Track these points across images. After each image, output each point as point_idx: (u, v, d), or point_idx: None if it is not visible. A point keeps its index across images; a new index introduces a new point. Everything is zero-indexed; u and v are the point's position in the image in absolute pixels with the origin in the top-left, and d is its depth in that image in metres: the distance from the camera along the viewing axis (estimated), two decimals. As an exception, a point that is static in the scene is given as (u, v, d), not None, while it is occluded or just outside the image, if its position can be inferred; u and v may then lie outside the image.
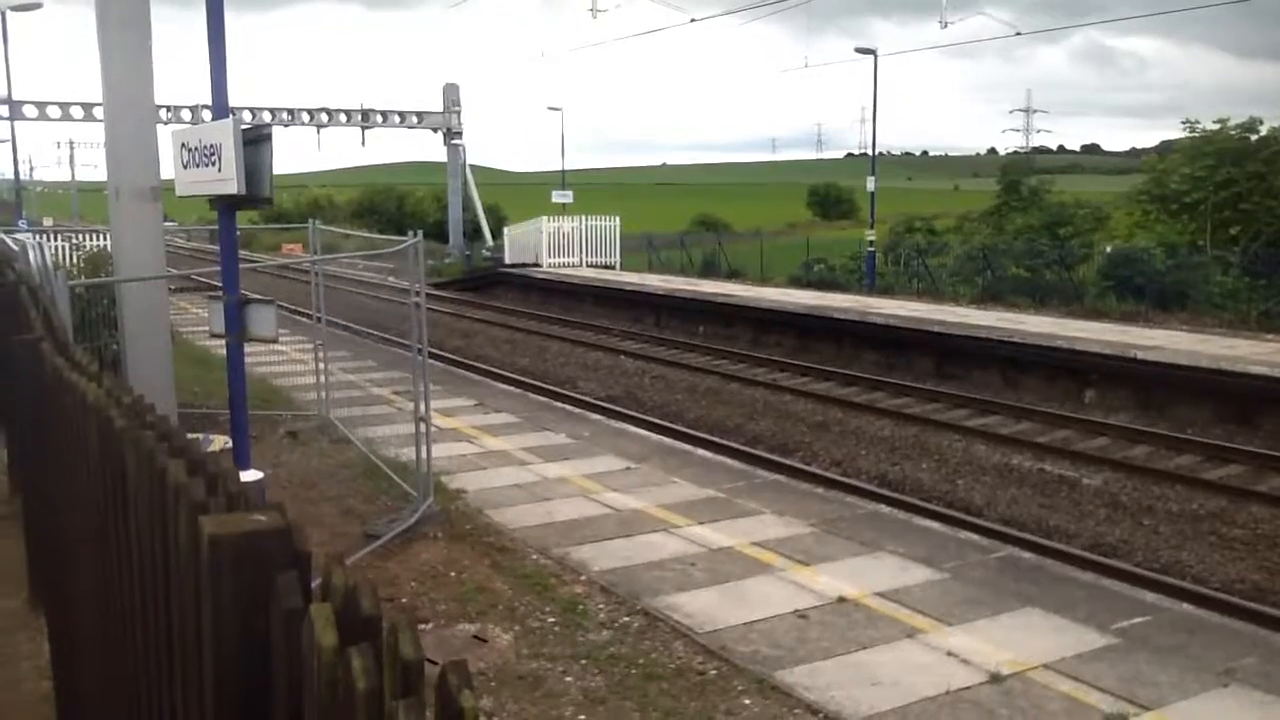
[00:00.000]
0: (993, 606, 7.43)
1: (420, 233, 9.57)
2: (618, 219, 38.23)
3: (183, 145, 7.09)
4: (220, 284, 7.51)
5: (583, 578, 7.91)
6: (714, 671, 6.40)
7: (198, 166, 6.84)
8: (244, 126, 6.50)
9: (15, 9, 32.78)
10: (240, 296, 6.92)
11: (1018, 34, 25.59)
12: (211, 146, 6.63)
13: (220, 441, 10.44)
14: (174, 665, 2.30)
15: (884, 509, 9.86)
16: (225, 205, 6.85)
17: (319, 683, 1.49)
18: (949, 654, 6.62)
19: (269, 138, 6.55)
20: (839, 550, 8.60)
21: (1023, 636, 6.91)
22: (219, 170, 6.53)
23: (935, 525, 9.32)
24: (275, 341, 7.33)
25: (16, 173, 40.83)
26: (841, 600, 7.49)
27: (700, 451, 12.04)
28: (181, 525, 2.09)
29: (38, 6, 33.39)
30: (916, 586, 7.80)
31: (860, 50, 38.09)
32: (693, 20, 23.16)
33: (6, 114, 35.76)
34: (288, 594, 1.63)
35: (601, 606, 7.38)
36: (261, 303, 6.93)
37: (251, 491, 2.14)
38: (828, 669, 6.42)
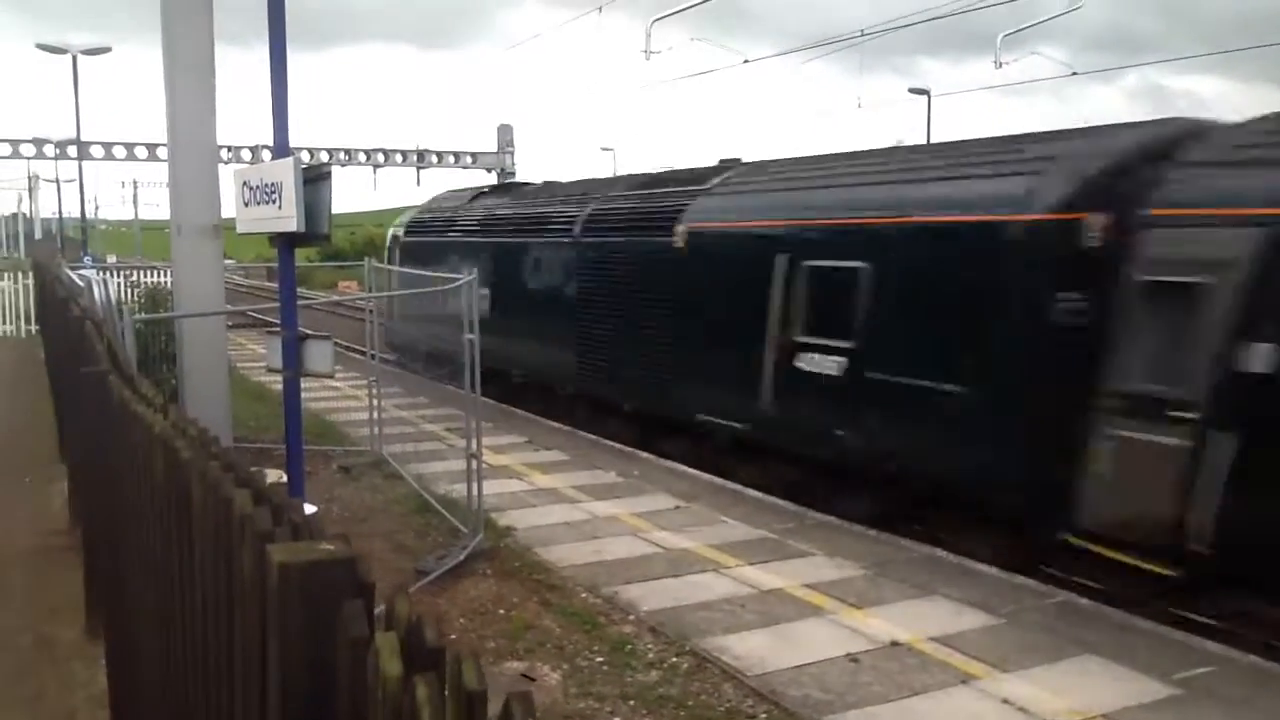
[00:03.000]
0: (1050, 653, 7.28)
1: (475, 271, 9.66)
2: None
3: (244, 183, 7.24)
4: (278, 320, 7.62)
5: (632, 617, 7.87)
6: (764, 715, 6.32)
7: (259, 204, 6.98)
8: (303, 165, 6.63)
9: (86, 53, 33.77)
10: (298, 332, 7.02)
11: (1074, 74, 25.47)
12: (272, 185, 6.76)
13: (274, 475, 10.57)
14: (235, 694, 2.33)
15: (939, 552, 9.72)
16: (285, 242, 6.97)
17: (384, 711, 1.50)
18: (1005, 701, 6.49)
19: (328, 176, 6.68)
20: (892, 593, 8.49)
21: (1081, 684, 6.76)
22: (279, 208, 6.65)
23: (991, 569, 9.15)
24: (331, 377, 7.42)
25: (83, 211, 41.93)
26: (894, 644, 7.38)
27: (751, 491, 11.95)
28: (246, 554, 2.12)
29: (107, 51, 34.38)
30: (972, 631, 7.67)
31: (914, 90, 38.13)
32: (745, 61, 23.30)
33: (75, 154, 36.75)
34: (354, 622, 1.64)
35: (650, 646, 7.33)
36: (319, 339, 7.03)
37: (316, 522, 2.17)
38: (880, 715, 6.31)
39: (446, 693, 1.47)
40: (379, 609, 1.80)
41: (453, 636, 7.51)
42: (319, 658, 1.71)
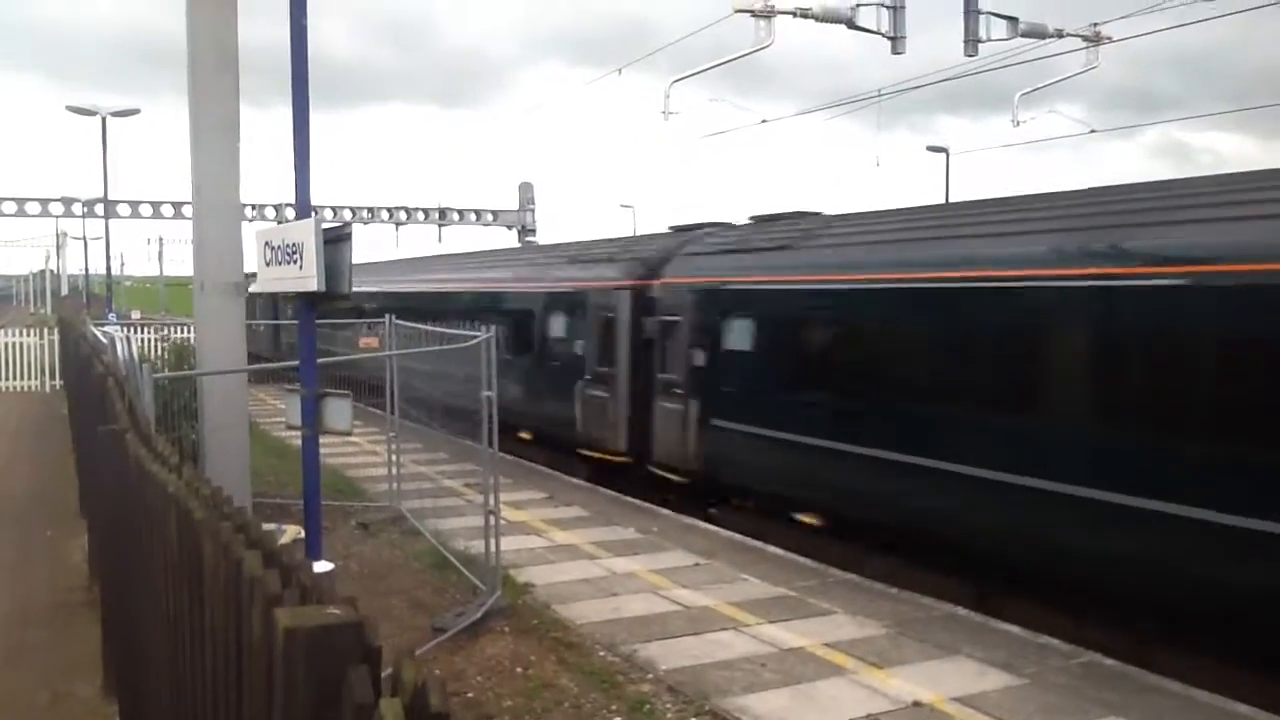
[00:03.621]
0: (1075, 715, 7.14)
1: (493, 329, 9.71)
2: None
3: (266, 244, 7.32)
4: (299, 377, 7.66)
5: (650, 676, 7.79)
6: (784, 777, 6.22)
7: (280, 264, 7.06)
8: (325, 226, 6.70)
9: (115, 114, 34.42)
10: (317, 390, 7.05)
11: (1092, 131, 25.50)
12: (294, 245, 6.84)
13: (293, 531, 10.57)
14: (243, 757, 2.31)
15: (960, 610, 9.59)
16: (306, 302, 7.03)
17: (387, 779, 1.49)
18: (1030, 764, 6.36)
19: (349, 237, 6.75)
20: (914, 653, 8.37)
21: (1108, 748, 6.62)
22: (300, 268, 6.72)
23: (1014, 628, 9.02)
24: (350, 435, 7.44)
25: (109, 268, 42.43)
26: (916, 705, 7.26)
27: (772, 548, 11.86)
28: (256, 616, 2.12)
29: (136, 113, 35.03)
30: (995, 692, 7.55)
31: (932, 149, 38.34)
32: (763, 121, 23.48)
33: (102, 213, 37.35)
34: (359, 688, 1.64)
35: (669, 706, 7.24)
36: (338, 396, 7.06)
37: (325, 584, 2.17)
38: (903, 777, 6.20)
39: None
40: (387, 671, 1.79)
41: (469, 695, 7.45)
42: (325, 722, 1.70)
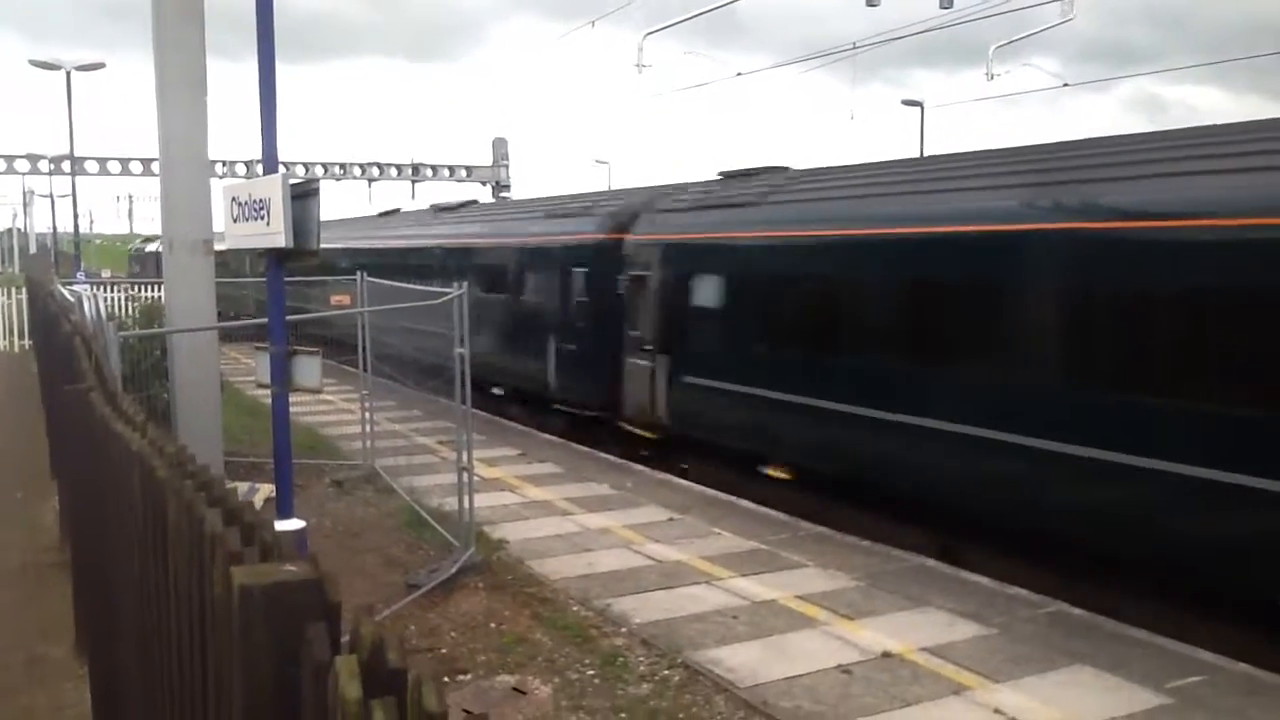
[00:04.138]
0: (1043, 663, 7.26)
1: (465, 284, 9.66)
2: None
3: (233, 199, 7.24)
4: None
5: (624, 630, 7.85)
6: (756, 727, 6.31)
7: (247, 220, 6.98)
8: (292, 181, 6.62)
9: (80, 69, 33.81)
10: (287, 347, 7.01)
11: (1065, 85, 25.49)
12: (260, 201, 6.76)
13: (266, 490, 10.56)
14: (208, 716, 2.32)
15: (930, 562, 9.70)
16: (274, 258, 6.97)
17: (344, 735, 1.49)
18: (996, 711, 6.47)
19: (316, 192, 6.67)
20: (884, 604, 8.47)
21: (1073, 695, 6.74)
22: (268, 224, 6.65)
23: (984, 580, 9.14)
24: (320, 392, 7.40)
25: (76, 227, 41.89)
26: (886, 655, 7.36)
27: (744, 502, 11.95)
28: (218, 575, 2.11)
29: (100, 67, 34.42)
30: (964, 642, 7.66)
31: (907, 102, 38.23)
32: (738, 74, 23.34)
33: (69, 170, 36.80)
34: (317, 645, 1.63)
35: (642, 659, 7.31)
36: (307, 354, 7.02)
37: (286, 541, 2.16)
38: (872, 726, 6.29)
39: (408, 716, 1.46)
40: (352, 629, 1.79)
41: (444, 650, 7.50)
42: (284, 680, 1.70)
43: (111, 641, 4.37)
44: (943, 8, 18.38)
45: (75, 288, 16.25)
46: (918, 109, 38.91)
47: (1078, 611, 8.39)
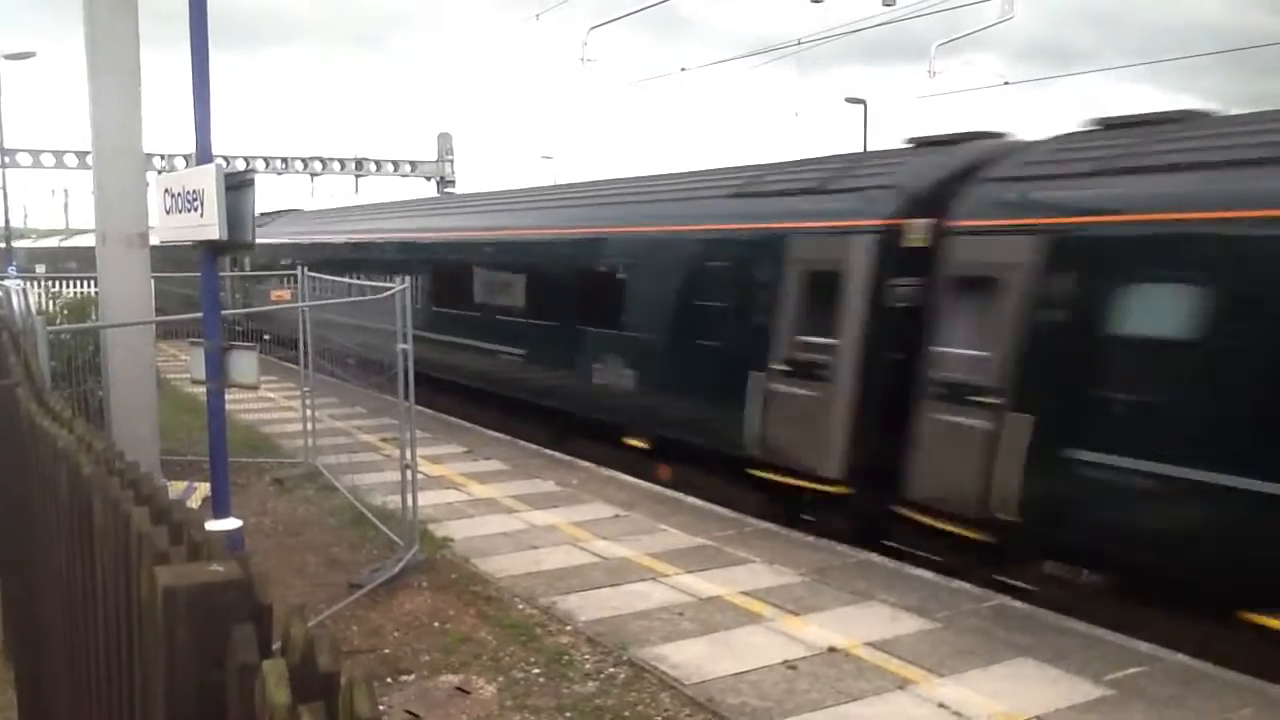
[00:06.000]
0: (985, 657, 7.32)
1: (407, 279, 9.53)
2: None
3: (166, 191, 7.06)
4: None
5: (569, 627, 7.80)
6: (702, 724, 6.28)
7: (181, 212, 6.81)
8: (226, 172, 6.48)
9: (10, 58, 32.96)
10: (222, 343, 6.85)
11: (1006, 83, 25.84)
12: (194, 192, 6.60)
13: (204, 489, 10.34)
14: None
15: (875, 557, 9.76)
16: (208, 251, 6.81)
17: (272, 742, 1.42)
18: (940, 705, 6.51)
19: (251, 183, 6.52)
20: (829, 600, 8.50)
21: (1015, 687, 6.80)
22: (201, 216, 6.49)
23: (927, 574, 9.21)
24: (257, 389, 7.25)
25: (6, 220, 40.77)
26: (832, 651, 7.38)
27: (690, 499, 11.93)
28: (144, 576, 2.03)
29: (31, 56, 33.58)
30: (908, 636, 7.70)
31: (850, 100, 38.50)
32: (683, 70, 23.38)
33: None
34: (244, 648, 1.56)
35: (588, 657, 7.26)
36: (243, 349, 6.87)
37: (216, 540, 2.07)
38: (817, 721, 6.30)
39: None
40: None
41: (386, 651, 7.39)
42: (208, 685, 1.63)
43: (38, 644, 4.23)
44: (885, 5, 18.54)
45: (5, 282, 15.84)
46: (860, 106, 39.19)
47: (1019, 605, 8.48)
